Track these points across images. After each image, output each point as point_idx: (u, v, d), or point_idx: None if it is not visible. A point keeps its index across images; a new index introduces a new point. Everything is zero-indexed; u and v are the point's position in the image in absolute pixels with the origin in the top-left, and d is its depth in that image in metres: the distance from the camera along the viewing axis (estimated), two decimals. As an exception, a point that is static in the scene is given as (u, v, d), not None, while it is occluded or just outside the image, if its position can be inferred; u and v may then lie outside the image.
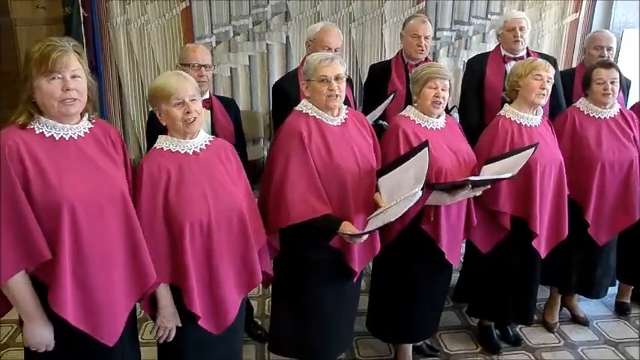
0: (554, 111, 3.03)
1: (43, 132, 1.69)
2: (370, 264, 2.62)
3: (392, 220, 2.02)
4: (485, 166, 2.37)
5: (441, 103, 2.38)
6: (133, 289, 1.85)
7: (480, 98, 3.16)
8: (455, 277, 3.06)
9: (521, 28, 3.10)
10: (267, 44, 5.07)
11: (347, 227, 2.04)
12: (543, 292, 3.14)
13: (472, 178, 2.24)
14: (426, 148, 2.06)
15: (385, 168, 2.24)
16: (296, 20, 5.04)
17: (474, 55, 3.55)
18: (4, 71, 4.08)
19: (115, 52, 4.83)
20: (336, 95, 2.14)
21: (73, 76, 1.67)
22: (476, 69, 3.22)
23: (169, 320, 1.96)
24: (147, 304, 1.96)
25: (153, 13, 4.79)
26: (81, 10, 4.39)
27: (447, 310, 3.29)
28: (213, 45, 4.97)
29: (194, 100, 1.93)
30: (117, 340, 1.80)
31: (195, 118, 1.93)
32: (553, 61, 2.99)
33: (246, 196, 2.06)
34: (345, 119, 2.24)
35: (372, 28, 5.17)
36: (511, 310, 2.82)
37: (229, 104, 2.78)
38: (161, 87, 1.92)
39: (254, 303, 3.32)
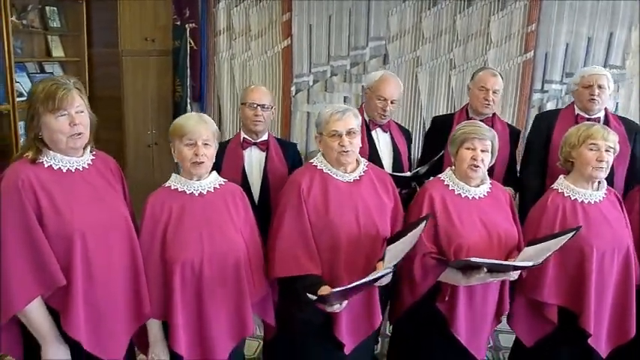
0: (630, 184, 2.61)
1: (51, 165, 1.81)
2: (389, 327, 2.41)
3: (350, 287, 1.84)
4: (527, 248, 2.06)
5: (478, 166, 2.14)
6: (133, 315, 1.91)
7: (544, 161, 2.83)
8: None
9: (599, 86, 2.74)
10: (362, 86, 5.03)
11: (323, 291, 1.90)
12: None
13: (475, 259, 1.93)
14: (424, 223, 1.86)
15: (395, 236, 2.05)
16: (394, 64, 4.95)
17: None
18: (106, 96, 4.51)
19: (219, 84, 5.11)
20: (347, 151, 2.05)
21: (78, 112, 1.79)
22: (543, 127, 2.90)
23: (158, 356, 1.97)
24: (138, 338, 2.01)
25: (256, 50, 5.02)
26: (190, 43, 4.72)
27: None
28: (310, 84, 5.07)
29: (207, 144, 1.98)
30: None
31: (202, 161, 1.97)
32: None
33: (250, 243, 2.03)
34: (361, 176, 2.13)
35: (473, 76, 4.90)
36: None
37: (288, 148, 2.77)
38: (179, 125, 2.00)
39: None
